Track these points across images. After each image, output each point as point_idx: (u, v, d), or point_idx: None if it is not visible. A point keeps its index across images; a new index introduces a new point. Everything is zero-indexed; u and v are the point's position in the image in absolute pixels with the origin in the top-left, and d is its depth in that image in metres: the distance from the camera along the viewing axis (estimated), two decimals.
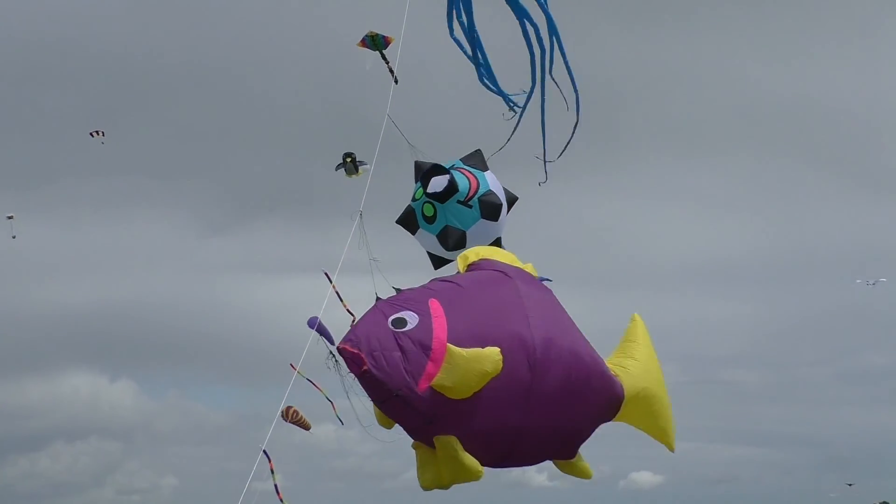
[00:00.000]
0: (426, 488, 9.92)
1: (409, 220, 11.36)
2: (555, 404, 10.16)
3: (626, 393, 10.85)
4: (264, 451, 10.27)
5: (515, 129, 12.47)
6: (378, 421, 10.30)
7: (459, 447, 9.57)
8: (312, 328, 10.74)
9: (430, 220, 11.18)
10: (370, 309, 10.25)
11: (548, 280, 10.96)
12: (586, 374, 10.46)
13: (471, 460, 9.64)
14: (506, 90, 12.75)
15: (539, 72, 12.37)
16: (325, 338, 10.82)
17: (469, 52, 12.51)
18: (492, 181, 11.57)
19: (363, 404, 10.19)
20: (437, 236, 11.18)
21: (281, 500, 10.38)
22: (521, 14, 12.20)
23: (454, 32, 12.53)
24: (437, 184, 11.05)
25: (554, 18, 12.28)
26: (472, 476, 9.80)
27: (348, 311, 11.09)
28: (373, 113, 12.40)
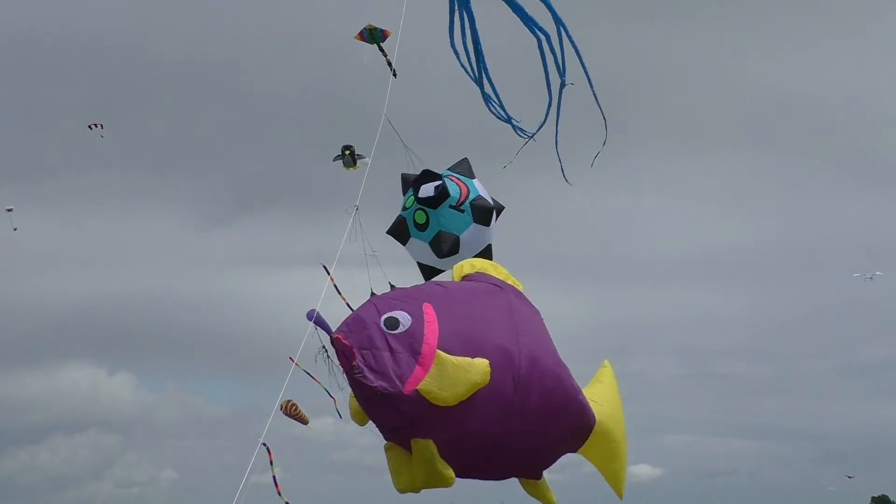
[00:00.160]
0: (402, 491, 9.97)
1: (399, 230, 11.32)
2: (533, 422, 10.32)
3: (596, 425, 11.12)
4: (264, 445, 10.29)
5: (523, 146, 12.50)
6: (353, 416, 10.34)
7: (436, 452, 9.64)
8: (311, 321, 10.77)
9: (423, 227, 11.17)
10: (365, 303, 10.29)
11: None
12: (565, 398, 10.72)
13: (445, 467, 9.73)
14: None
15: (552, 82, 12.38)
16: (325, 331, 10.85)
17: (472, 69, 12.47)
18: (480, 188, 11.60)
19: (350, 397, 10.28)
20: (430, 243, 11.15)
21: (279, 493, 10.41)
22: (531, 23, 12.21)
23: (455, 42, 12.51)
24: (430, 188, 11.03)
25: (566, 25, 12.27)
26: (445, 483, 9.88)
27: (347, 304, 11.11)
28: (372, 107, 12.41)
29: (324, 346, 9.82)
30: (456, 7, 12.32)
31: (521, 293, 11.17)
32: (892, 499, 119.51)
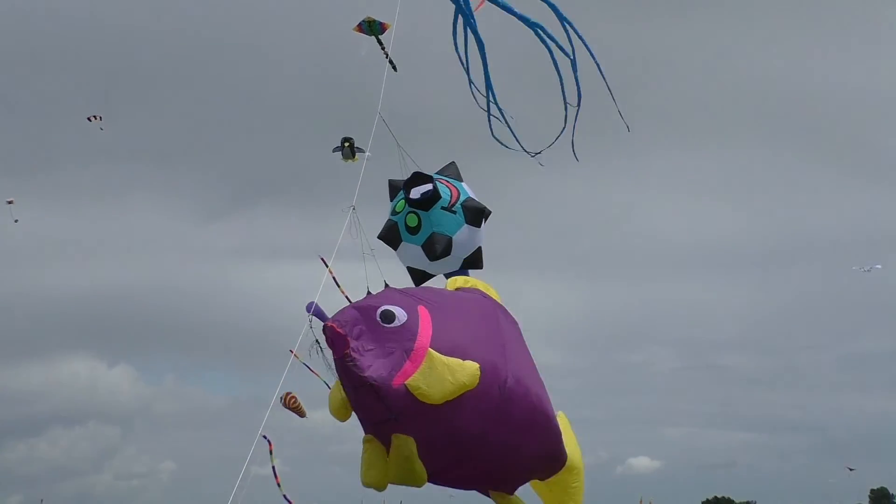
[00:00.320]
0: (367, 485, 9.85)
1: (391, 235, 11.27)
2: (513, 434, 10.40)
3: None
4: (265, 437, 10.31)
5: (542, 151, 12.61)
6: (332, 409, 10.23)
7: (415, 450, 9.63)
8: (311, 313, 10.78)
9: (415, 230, 11.13)
10: (363, 298, 10.31)
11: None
12: (546, 420, 10.87)
13: (421, 466, 9.71)
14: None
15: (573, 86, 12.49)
16: (324, 321, 10.86)
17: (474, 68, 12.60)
18: (469, 191, 11.59)
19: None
20: (423, 246, 11.11)
21: (278, 485, 10.44)
22: (539, 29, 12.30)
23: (458, 47, 12.55)
24: (422, 189, 11.00)
25: (573, 25, 12.38)
26: (417, 482, 9.87)
27: (346, 297, 11.13)
28: (371, 99, 12.40)
29: (317, 340, 9.83)
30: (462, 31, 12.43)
31: (509, 314, 11.31)
32: (891, 491, 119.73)
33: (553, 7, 12.65)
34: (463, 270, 11.71)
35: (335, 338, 9.56)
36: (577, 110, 12.85)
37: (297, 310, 11.15)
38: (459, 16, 12.56)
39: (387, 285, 10.94)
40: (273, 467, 10.43)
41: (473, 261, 11.52)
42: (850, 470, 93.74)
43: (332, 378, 10.12)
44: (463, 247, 11.24)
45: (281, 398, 11.32)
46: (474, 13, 12.55)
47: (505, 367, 10.32)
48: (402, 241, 11.27)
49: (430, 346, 9.73)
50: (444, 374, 9.59)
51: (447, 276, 11.75)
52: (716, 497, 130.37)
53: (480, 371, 9.82)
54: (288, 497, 10.35)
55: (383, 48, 13.43)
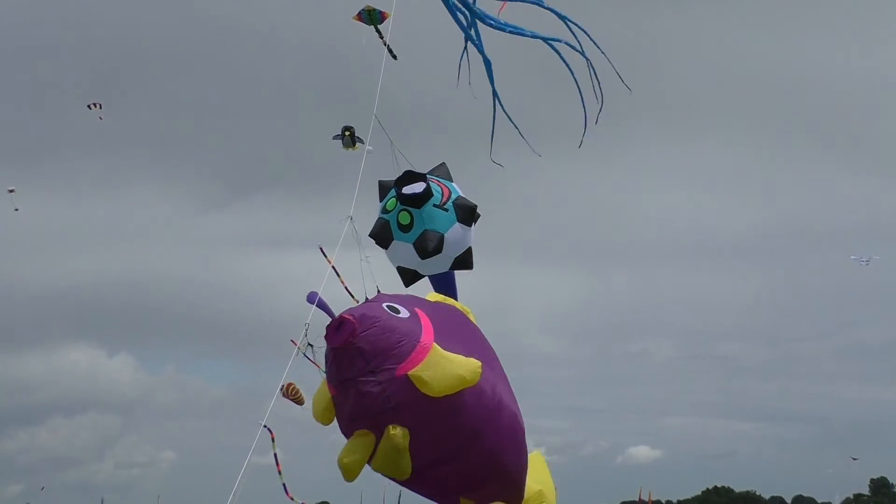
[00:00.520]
0: (345, 466, 9.62)
1: (382, 233, 11.28)
2: (500, 440, 10.46)
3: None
4: (266, 427, 10.33)
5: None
6: (316, 412, 10.11)
7: (408, 444, 9.60)
8: (312, 303, 10.79)
9: (407, 228, 11.15)
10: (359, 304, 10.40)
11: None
12: (522, 437, 10.93)
13: (408, 459, 9.67)
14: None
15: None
16: (326, 313, 10.88)
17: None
18: (459, 191, 11.63)
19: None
20: (415, 244, 11.13)
21: (279, 472, 10.46)
22: (554, 42, 12.51)
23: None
24: (415, 186, 11.03)
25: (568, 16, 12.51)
26: (403, 475, 9.82)
27: (345, 288, 11.15)
28: (370, 90, 12.37)
29: (306, 324, 9.79)
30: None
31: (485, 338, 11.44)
32: (890, 480, 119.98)
33: (563, 18, 12.82)
34: (451, 272, 11.77)
35: (345, 324, 9.56)
36: (600, 109, 12.93)
37: (298, 300, 11.19)
38: (465, 23, 12.65)
39: (379, 292, 11.03)
40: (275, 455, 10.49)
41: (464, 261, 11.56)
42: (854, 459, 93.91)
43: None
44: (454, 245, 11.28)
45: (281, 388, 11.33)
46: (497, 14, 12.70)
47: (493, 372, 10.49)
48: (393, 239, 11.27)
49: (435, 342, 9.80)
50: (448, 367, 9.64)
51: (432, 279, 11.78)
52: (716, 487, 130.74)
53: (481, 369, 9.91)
54: (287, 487, 10.37)
55: (382, 37, 13.39)
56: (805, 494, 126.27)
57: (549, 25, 13.09)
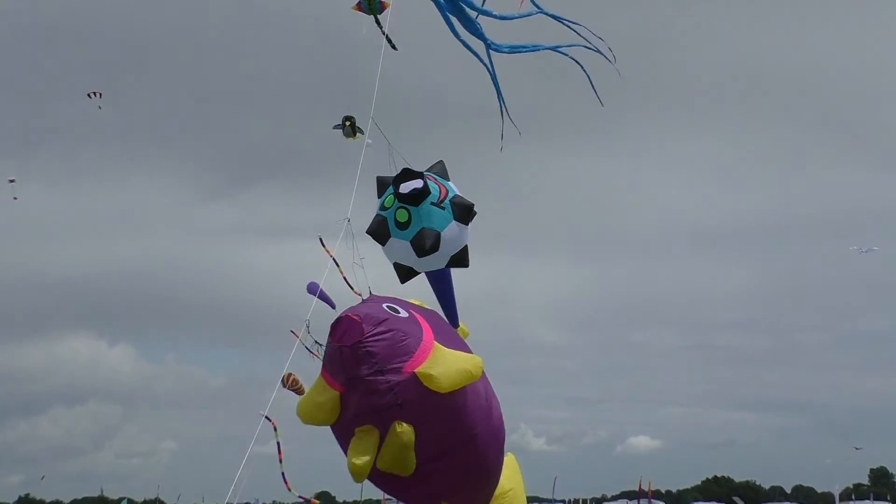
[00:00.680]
0: (358, 469, 9.55)
1: (380, 230, 11.35)
2: (489, 439, 10.59)
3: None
4: (268, 418, 10.35)
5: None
6: (304, 414, 10.00)
7: (414, 439, 9.64)
8: (314, 294, 10.82)
9: (404, 225, 11.22)
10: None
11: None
12: (503, 438, 11.03)
13: (413, 456, 9.69)
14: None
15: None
16: (326, 303, 10.91)
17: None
18: (456, 189, 11.72)
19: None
20: (412, 241, 11.22)
21: (280, 461, 10.51)
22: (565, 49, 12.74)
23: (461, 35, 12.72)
24: (413, 184, 11.11)
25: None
26: (408, 471, 9.81)
27: (344, 278, 11.18)
28: (370, 79, 12.38)
29: (307, 320, 9.84)
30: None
31: None
32: (890, 470, 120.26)
33: (563, 20, 13.01)
34: (447, 269, 11.84)
35: (352, 325, 9.60)
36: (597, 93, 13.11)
37: (298, 289, 11.22)
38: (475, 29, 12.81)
39: (371, 294, 11.08)
40: (278, 443, 10.52)
41: (460, 258, 11.63)
42: (857, 449, 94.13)
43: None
44: (451, 243, 11.37)
45: (282, 379, 11.37)
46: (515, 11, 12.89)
47: (482, 384, 10.62)
48: (390, 236, 11.35)
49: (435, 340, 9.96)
50: (453, 363, 9.76)
51: (428, 275, 11.87)
52: (715, 476, 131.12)
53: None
54: (285, 476, 10.42)
55: (381, 27, 13.36)
56: (805, 484, 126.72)
57: (543, 21, 13.19)
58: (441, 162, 11.97)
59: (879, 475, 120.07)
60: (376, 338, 9.60)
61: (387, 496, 19.77)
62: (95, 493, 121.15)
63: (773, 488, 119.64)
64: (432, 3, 12.58)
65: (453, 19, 12.68)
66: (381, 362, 9.57)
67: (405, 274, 11.59)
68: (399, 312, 10.01)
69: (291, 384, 15.88)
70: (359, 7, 13.87)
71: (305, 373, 11.36)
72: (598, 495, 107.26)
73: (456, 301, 12.26)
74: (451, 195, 11.42)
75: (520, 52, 13.10)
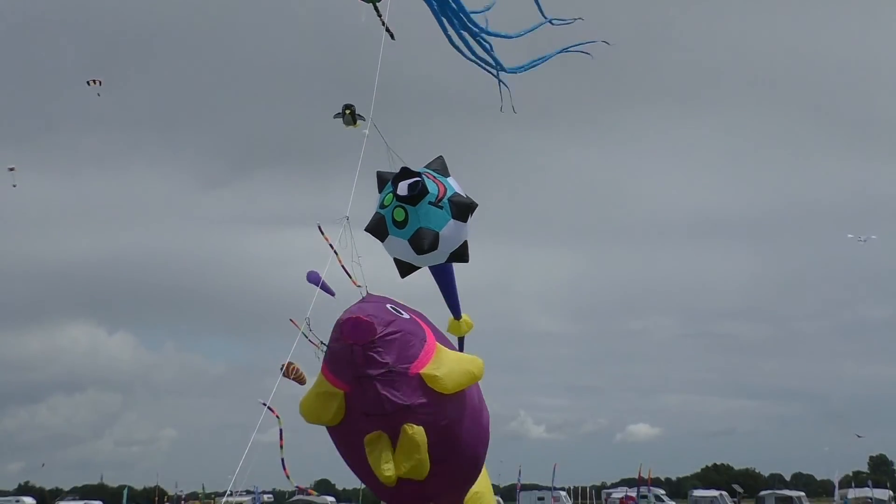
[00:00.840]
0: (390, 481, 9.64)
1: (378, 228, 11.39)
2: (479, 441, 10.69)
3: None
4: (270, 408, 10.38)
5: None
6: (308, 414, 10.06)
7: (426, 441, 9.66)
8: (316, 284, 10.83)
9: (402, 224, 11.25)
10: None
11: None
12: (487, 442, 11.02)
13: (427, 457, 9.68)
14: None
15: None
16: (326, 292, 10.92)
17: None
18: (456, 186, 11.74)
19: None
20: (410, 240, 11.25)
21: (281, 447, 10.56)
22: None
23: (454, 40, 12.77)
24: (410, 185, 11.12)
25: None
26: (424, 473, 9.79)
27: (343, 268, 11.18)
28: (370, 68, 12.36)
29: (307, 321, 9.89)
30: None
31: None
32: (889, 458, 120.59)
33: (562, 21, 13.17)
34: (448, 264, 11.88)
35: (362, 326, 9.60)
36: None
37: (298, 278, 11.24)
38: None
39: (368, 293, 11.14)
40: (280, 430, 10.55)
41: (459, 254, 11.68)
42: (859, 437, 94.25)
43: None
44: (449, 241, 11.41)
45: (282, 368, 11.40)
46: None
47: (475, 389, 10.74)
48: (388, 234, 11.39)
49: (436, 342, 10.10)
50: (457, 364, 9.91)
51: (431, 269, 11.90)
52: (715, 464, 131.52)
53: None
54: (284, 462, 10.46)
55: (380, 16, 13.31)
56: (804, 472, 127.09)
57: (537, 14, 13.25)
58: (440, 158, 11.97)
59: (879, 462, 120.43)
60: (387, 338, 9.69)
61: None
62: (95, 481, 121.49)
63: (772, 476, 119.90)
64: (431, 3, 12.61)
65: (465, 35, 12.74)
66: (390, 363, 9.64)
67: (406, 269, 11.63)
68: (402, 314, 10.10)
69: (292, 373, 15.89)
70: None
71: (304, 362, 11.39)
72: (598, 483, 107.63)
73: (458, 292, 12.36)
74: (449, 193, 11.42)
75: (535, 66, 13.26)
